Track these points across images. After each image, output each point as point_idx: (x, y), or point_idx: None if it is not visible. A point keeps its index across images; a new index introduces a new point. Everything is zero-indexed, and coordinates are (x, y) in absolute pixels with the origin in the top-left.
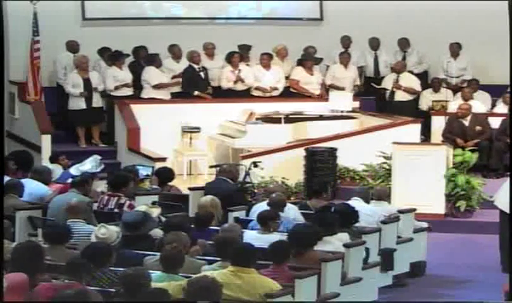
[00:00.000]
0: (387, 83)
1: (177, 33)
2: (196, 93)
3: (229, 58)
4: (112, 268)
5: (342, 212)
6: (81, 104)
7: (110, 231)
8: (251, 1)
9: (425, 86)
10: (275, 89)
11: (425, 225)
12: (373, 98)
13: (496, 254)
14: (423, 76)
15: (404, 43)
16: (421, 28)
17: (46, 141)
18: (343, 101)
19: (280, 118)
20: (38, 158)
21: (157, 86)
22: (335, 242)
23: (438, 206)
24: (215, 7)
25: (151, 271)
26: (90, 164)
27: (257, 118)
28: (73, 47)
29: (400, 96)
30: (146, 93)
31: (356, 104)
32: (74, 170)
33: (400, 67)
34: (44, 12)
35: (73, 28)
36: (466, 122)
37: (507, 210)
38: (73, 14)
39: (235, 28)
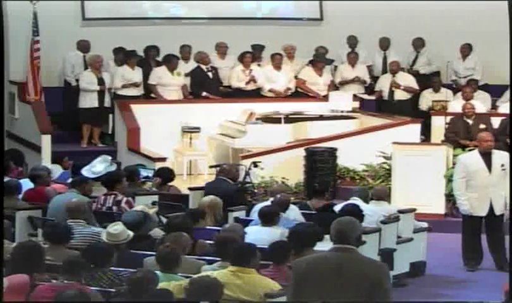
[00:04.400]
0: (382, 83)
1: (177, 33)
2: (204, 94)
3: (242, 58)
4: (112, 268)
5: (349, 213)
6: (94, 102)
7: (123, 229)
8: (251, 1)
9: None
10: (289, 89)
11: (425, 225)
12: (374, 98)
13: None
14: (426, 77)
15: (418, 43)
16: (423, 28)
17: (46, 141)
18: (343, 101)
19: (280, 118)
20: (38, 158)
21: (150, 87)
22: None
23: (438, 206)
24: (215, 7)
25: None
26: (102, 165)
27: (257, 118)
28: (84, 46)
29: (399, 95)
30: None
31: (356, 104)
32: (87, 173)
33: (395, 67)
34: (44, 12)
35: (73, 28)
36: (470, 121)
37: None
38: (72, 14)
39: (235, 28)
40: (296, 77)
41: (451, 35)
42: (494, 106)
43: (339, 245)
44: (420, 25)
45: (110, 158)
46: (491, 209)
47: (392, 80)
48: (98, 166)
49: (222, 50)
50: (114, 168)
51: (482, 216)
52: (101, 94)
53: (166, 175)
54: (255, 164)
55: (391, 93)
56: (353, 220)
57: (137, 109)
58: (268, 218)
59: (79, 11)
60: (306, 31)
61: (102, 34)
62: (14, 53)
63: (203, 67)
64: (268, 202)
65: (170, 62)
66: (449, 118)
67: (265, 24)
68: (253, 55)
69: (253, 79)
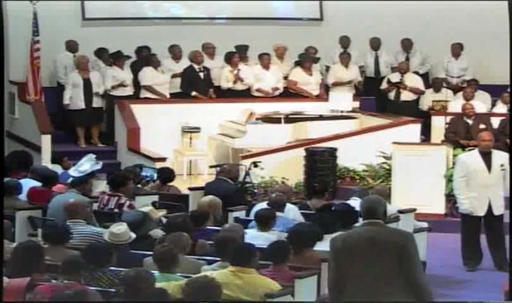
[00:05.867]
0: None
1: (177, 33)
2: (193, 93)
3: (229, 58)
4: (112, 268)
5: (342, 212)
6: (80, 104)
7: (126, 230)
8: (251, 1)
9: (426, 86)
10: (277, 89)
11: (425, 225)
12: (373, 98)
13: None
14: (425, 77)
15: (407, 44)
16: (422, 28)
17: (46, 141)
18: (343, 101)
19: (280, 118)
20: (38, 158)
21: (147, 88)
22: None
23: (438, 206)
24: (215, 7)
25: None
26: (88, 164)
27: (257, 118)
28: (72, 46)
29: (405, 96)
30: (143, 93)
31: (356, 104)
32: (74, 172)
33: (404, 68)
34: (44, 12)
35: (73, 28)
36: (470, 121)
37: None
38: (72, 14)
39: (235, 28)
40: (286, 78)
41: (451, 35)
42: (494, 107)
43: (370, 220)
44: (420, 25)
45: (94, 156)
46: (489, 209)
47: (400, 80)
48: (85, 165)
49: (209, 50)
50: (99, 166)
51: (481, 216)
52: (88, 95)
53: (166, 175)
54: (255, 164)
55: (397, 93)
56: (379, 198)
57: (137, 109)
58: (264, 221)
59: (79, 11)
60: (306, 31)
61: (102, 34)
62: (14, 53)
63: (196, 66)
64: (265, 203)
65: (153, 61)
66: (449, 118)
67: (265, 24)
68: (239, 55)
69: (239, 79)
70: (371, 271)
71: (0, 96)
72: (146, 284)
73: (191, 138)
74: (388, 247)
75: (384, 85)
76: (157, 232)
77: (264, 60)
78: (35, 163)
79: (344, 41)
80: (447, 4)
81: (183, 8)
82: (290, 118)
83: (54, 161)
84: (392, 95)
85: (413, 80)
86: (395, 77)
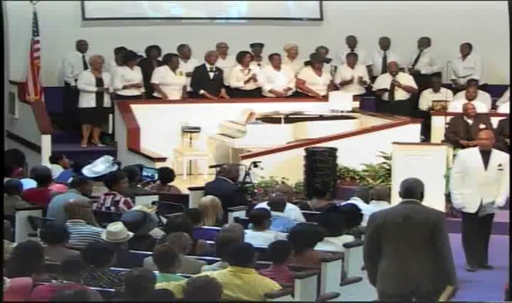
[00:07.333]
0: (382, 83)
1: (177, 33)
2: (201, 91)
3: (240, 57)
4: (112, 268)
5: (348, 212)
6: (92, 102)
7: (122, 228)
8: (251, 1)
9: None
10: (290, 89)
11: None
12: (373, 98)
13: (495, 254)
14: (432, 77)
15: (423, 42)
16: (424, 28)
17: (46, 141)
18: (343, 101)
19: (280, 118)
20: (38, 158)
21: (153, 86)
22: (339, 243)
23: (438, 206)
24: (215, 7)
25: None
26: (103, 165)
27: (257, 118)
28: (82, 46)
29: (399, 95)
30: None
31: (356, 104)
32: (87, 171)
33: (394, 68)
34: (44, 12)
35: (73, 28)
36: (470, 121)
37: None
38: (73, 14)
39: (235, 28)
40: (295, 77)
41: (451, 35)
42: (494, 107)
43: (407, 199)
44: (420, 25)
45: (112, 158)
46: (480, 207)
47: (393, 80)
48: (99, 166)
49: (222, 50)
50: (115, 168)
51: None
52: (99, 94)
53: (166, 175)
54: (255, 164)
55: (391, 93)
56: (417, 179)
57: (137, 109)
58: (258, 220)
59: (79, 11)
60: (306, 31)
61: (102, 34)
62: (14, 53)
63: (208, 66)
64: (265, 203)
65: (171, 61)
66: (449, 118)
67: (265, 24)
68: (252, 54)
69: (253, 78)
70: (405, 243)
71: (0, 96)
72: (151, 283)
73: (191, 138)
74: (421, 224)
75: (376, 87)
76: (157, 232)
77: (275, 61)
78: (34, 163)
79: (351, 41)
80: (449, 3)
81: (183, 8)
82: (290, 118)
83: (53, 160)
84: (386, 96)
85: (406, 80)
86: (385, 78)
